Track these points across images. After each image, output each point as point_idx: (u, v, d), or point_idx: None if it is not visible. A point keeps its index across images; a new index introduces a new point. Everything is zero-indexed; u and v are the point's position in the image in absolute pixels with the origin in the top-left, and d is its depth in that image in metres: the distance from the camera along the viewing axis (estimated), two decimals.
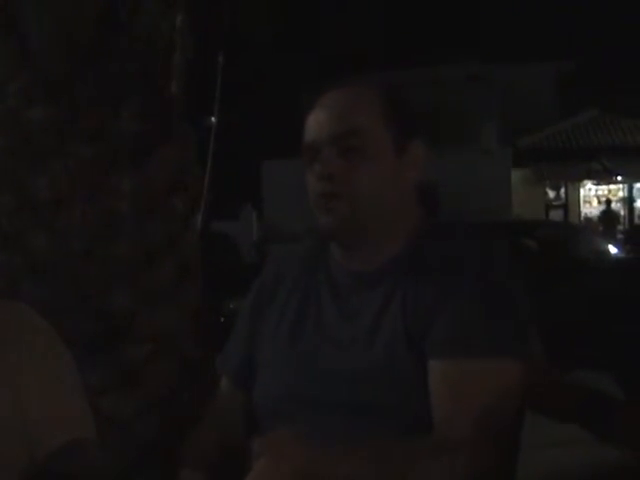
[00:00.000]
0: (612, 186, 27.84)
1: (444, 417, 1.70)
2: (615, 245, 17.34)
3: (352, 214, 1.81)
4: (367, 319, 1.81)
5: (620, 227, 26.02)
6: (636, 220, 26.98)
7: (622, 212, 27.65)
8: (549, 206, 27.61)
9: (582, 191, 28.04)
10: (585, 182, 27.87)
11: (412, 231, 1.89)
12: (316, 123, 1.83)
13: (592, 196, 28.03)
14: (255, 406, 1.95)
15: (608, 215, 25.39)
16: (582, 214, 27.68)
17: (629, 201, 27.64)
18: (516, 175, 26.55)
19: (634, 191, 27.73)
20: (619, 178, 27.31)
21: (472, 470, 1.66)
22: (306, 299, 1.93)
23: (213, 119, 14.21)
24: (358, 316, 1.83)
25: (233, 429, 2.04)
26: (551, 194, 27.87)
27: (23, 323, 1.98)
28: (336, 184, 1.82)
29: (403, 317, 1.77)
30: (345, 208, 1.81)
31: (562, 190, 27.86)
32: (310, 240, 2.00)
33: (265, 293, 2.02)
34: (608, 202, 26.46)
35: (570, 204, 27.76)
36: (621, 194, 27.83)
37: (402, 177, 1.85)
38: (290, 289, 1.97)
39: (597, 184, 27.86)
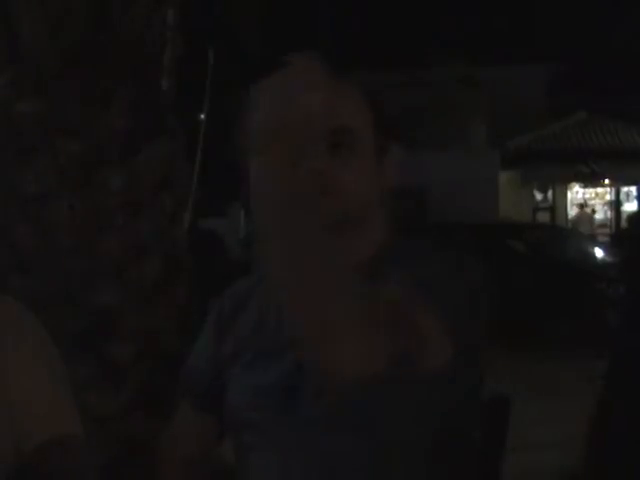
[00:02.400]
0: (599, 189, 27.92)
1: None
2: (601, 248, 17.37)
3: (340, 211, 1.81)
4: None
5: (606, 230, 26.13)
6: (623, 223, 27.05)
7: (609, 215, 27.73)
8: (536, 208, 27.66)
9: (569, 194, 28.10)
10: (572, 185, 27.92)
11: (384, 235, 1.89)
12: (298, 114, 1.79)
13: (579, 199, 28.09)
14: (230, 414, 1.93)
15: (580, 218, 25.68)
16: (569, 217, 27.74)
17: (616, 204, 27.72)
18: (504, 177, 26.59)
19: (621, 194, 27.81)
20: (606, 181, 27.38)
21: None
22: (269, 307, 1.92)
23: (202, 116, 14.21)
24: None
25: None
26: (538, 196, 27.92)
27: (10, 317, 1.97)
28: (324, 181, 1.81)
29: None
30: (334, 205, 1.81)
31: (549, 192, 27.91)
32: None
33: (230, 310, 2.01)
34: (581, 206, 26.69)
35: (557, 207, 27.81)
36: (608, 197, 27.91)
37: (381, 179, 1.86)
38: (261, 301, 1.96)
39: (584, 187, 27.92)
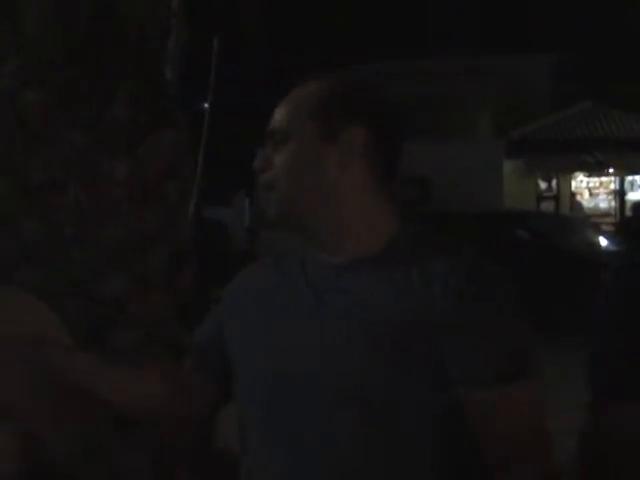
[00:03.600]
0: (604, 178, 27.87)
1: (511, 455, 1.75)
2: (606, 237, 17.37)
3: (283, 202, 1.86)
4: (346, 314, 1.80)
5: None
6: (627, 212, 27.01)
7: (613, 204, 27.68)
8: (540, 197, 27.61)
9: (573, 183, 28.05)
10: (577, 174, 27.88)
11: (383, 226, 1.88)
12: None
13: (584, 188, 28.04)
14: (240, 407, 1.95)
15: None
16: (576, 204, 27.69)
17: (620, 193, 27.67)
18: (508, 166, 26.55)
19: (625, 183, 27.76)
20: (611, 170, 27.34)
21: None
22: (283, 296, 1.93)
23: (206, 105, 14.20)
24: (336, 311, 1.82)
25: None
26: (542, 185, 27.87)
27: (18, 305, 1.98)
28: (267, 176, 1.88)
29: (392, 313, 1.76)
30: (277, 197, 1.86)
31: (553, 182, 27.87)
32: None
33: (237, 295, 2.02)
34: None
35: (561, 196, 27.77)
36: (612, 186, 27.86)
37: (334, 163, 1.85)
38: (265, 288, 1.97)
39: (589, 176, 27.87)
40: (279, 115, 1.89)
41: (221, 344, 1.99)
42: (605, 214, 27.30)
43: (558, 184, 27.90)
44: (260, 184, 1.89)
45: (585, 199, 27.89)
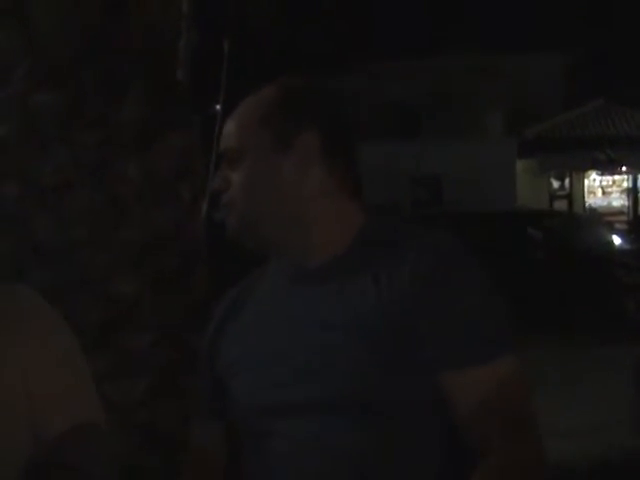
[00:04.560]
0: (617, 176, 27.81)
1: (490, 434, 1.71)
2: (619, 235, 17.33)
3: (244, 219, 1.84)
4: (329, 313, 1.79)
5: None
6: None
7: (626, 203, 27.62)
8: (553, 196, 27.58)
9: (586, 181, 28.00)
10: (589, 172, 27.83)
11: (349, 223, 1.86)
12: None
13: (596, 186, 27.99)
14: (233, 423, 1.94)
15: None
16: (586, 204, 27.65)
17: (634, 191, 27.61)
18: (520, 165, 26.53)
19: (638, 181, 27.70)
20: (624, 168, 27.28)
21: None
22: (262, 306, 1.92)
23: (218, 106, 14.19)
24: (318, 312, 1.81)
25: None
26: (555, 184, 27.83)
27: (31, 307, 1.98)
28: (226, 195, 1.85)
29: (373, 310, 1.75)
30: (237, 216, 1.84)
31: (566, 180, 27.83)
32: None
33: (222, 317, 2.02)
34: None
35: (574, 194, 27.73)
36: (625, 184, 27.80)
37: (292, 172, 1.81)
38: (246, 302, 1.96)
39: (601, 174, 27.82)
40: (228, 131, 1.86)
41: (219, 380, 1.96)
42: (618, 212, 27.24)
43: (571, 183, 27.86)
44: (221, 204, 1.87)
45: (598, 197, 27.83)
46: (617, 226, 23.14)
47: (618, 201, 27.79)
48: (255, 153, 1.82)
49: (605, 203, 27.77)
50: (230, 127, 1.86)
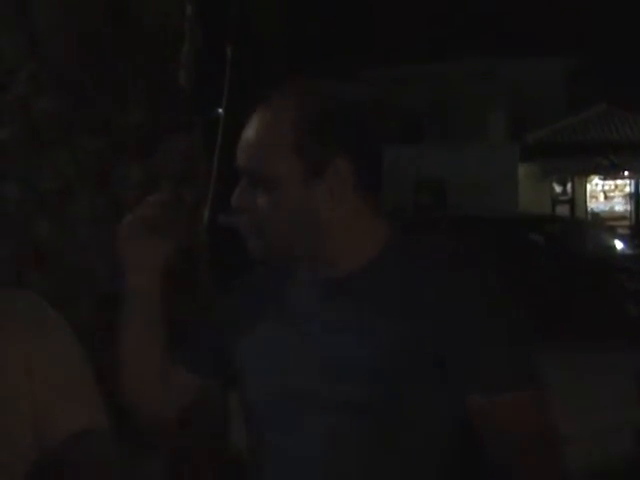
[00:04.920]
0: (619, 181, 27.82)
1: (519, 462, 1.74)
2: (621, 240, 17.33)
3: (274, 246, 1.83)
4: (347, 324, 1.80)
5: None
6: None
7: (628, 208, 27.63)
8: (556, 201, 27.59)
9: (589, 186, 28.02)
10: (592, 177, 27.84)
11: (377, 237, 1.85)
12: (238, 147, 1.85)
13: (599, 191, 28.00)
14: (246, 407, 1.95)
15: None
16: (589, 209, 27.66)
17: (636, 196, 27.62)
18: (523, 170, 26.54)
19: None
20: (626, 173, 27.29)
21: None
22: (283, 306, 1.92)
23: (221, 111, 14.19)
24: (336, 321, 1.81)
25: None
26: (558, 189, 27.85)
27: (34, 312, 1.98)
28: (251, 217, 1.82)
29: (397, 321, 1.76)
30: (267, 242, 1.83)
31: (569, 185, 27.84)
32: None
33: (243, 298, 2.02)
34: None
35: (577, 199, 27.74)
36: (628, 189, 27.80)
37: (325, 200, 1.79)
38: (268, 296, 1.96)
39: (604, 179, 27.83)
40: (252, 152, 1.81)
41: (218, 341, 2.00)
42: (621, 217, 27.25)
43: (573, 187, 27.88)
44: (241, 223, 1.85)
45: (600, 202, 27.83)
46: (619, 231, 23.15)
47: (620, 206, 27.81)
48: (286, 181, 1.79)
49: (607, 208, 27.80)
50: (255, 149, 1.81)
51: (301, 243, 1.83)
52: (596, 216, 26.82)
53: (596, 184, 27.86)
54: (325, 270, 1.85)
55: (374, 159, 1.85)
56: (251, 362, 1.91)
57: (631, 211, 27.35)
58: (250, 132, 1.82)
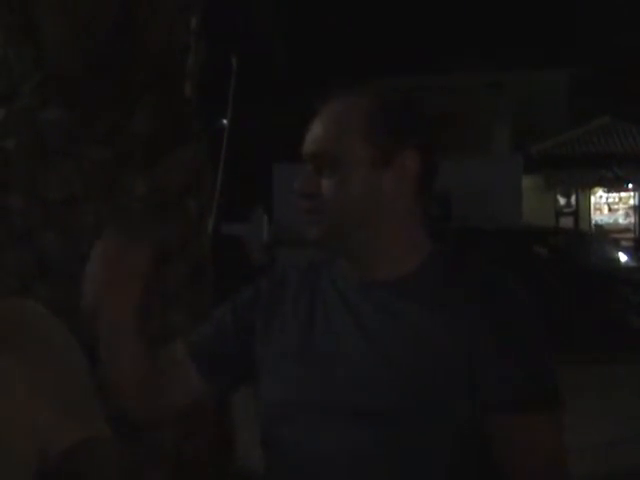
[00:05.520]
0: (623, 194, 27.79)
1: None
2: (625, 253, 17.31)
3: (332, 230, 1.84)
4: (382, 329, 1.81)
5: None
6: None
7: (633, 220, 27.60)
8: (560, 213, 27.56)
9: (593, 198, 27.98)
10: (596, 189, 27.81)
11: (421, 246, 1.88)
12: (306, 137, 1.87)
13: (603, 203, 27.97)
14: (263, 411, 1.95)
15: None
16: (592, 221, 27.63)
17: (639, 209, 27.61)
18: (527, 182, 26.52)
19: None
20: (630, 186, 27.26)
21: None
22: (313, 307, 1.93)
23: (225, 121, 14.24)
24: (370, 326, 1.82)
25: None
26: (562, 201, 27.82)
27: (38, 322, 1.99)
28: (315, 202, 1.83)
29: (426, 332, 1.77)
30: (326, 225, 1.83)
31: (573, 197, 27.81)
32: (315, 251, 2.00)
33: (267, 296, 2.02)
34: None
35: (581, 211, 27.71)
36: (632, 202, 27.77)
37: (390, 189, 1.82)
38: (296, 296, 1.97)
39: (608, 191, 27.80)
40: (322, 135, 1.84)
41: (232, 337, 1.99)
42: (625, 229, 27.21)
43: (577, 200, 27.84)
44: (304, 208, 1.86)
45: (605, 214, 27.81)
46: (623, 243, 23.11)
47: (624, 218, 27.75)
48: (354, 166, 1.81)
49: (611, 220, 27.73)
50: (324, 132, 1.84)
51: (357, 233, 1.83)
52: (600, 228, 26.78)
53: (600, 196, 27.81)
54: (364, 272, 1.86)
55: (436, 159, 1.89)
56: (273, 364, 1.91)
57: (635, 223, 27.30)
58: (324, 119, 1.86)
